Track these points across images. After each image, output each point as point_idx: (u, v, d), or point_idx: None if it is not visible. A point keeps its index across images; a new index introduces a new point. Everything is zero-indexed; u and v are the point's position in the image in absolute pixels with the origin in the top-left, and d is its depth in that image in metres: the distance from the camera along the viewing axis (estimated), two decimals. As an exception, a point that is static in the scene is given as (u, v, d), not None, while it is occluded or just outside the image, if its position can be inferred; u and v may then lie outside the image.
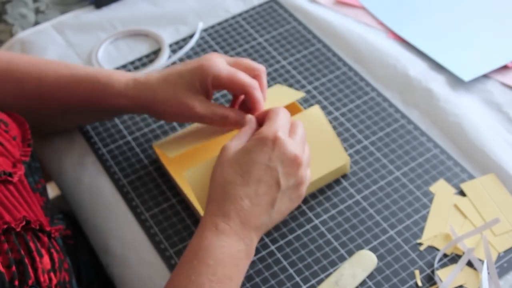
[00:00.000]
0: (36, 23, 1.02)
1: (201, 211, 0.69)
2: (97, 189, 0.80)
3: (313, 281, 0.69)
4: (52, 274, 0.59)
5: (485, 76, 0.88)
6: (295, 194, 0.66)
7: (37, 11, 1.04)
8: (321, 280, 0.69)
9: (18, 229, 0.58)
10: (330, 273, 0.69)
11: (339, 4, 1.01)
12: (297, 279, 0.69)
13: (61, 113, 0.80)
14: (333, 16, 0.98)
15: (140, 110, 0.77)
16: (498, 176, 0.76)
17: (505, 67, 0.88)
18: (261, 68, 0.74)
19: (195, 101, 0.72)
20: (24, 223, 0.59)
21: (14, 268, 0.55)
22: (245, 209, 0.63)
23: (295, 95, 0.81)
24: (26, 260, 0.57)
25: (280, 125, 0.66)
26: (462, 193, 0.75)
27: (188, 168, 0.69)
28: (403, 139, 0.81)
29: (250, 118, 0.70)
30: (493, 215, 0.72)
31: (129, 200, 0.78)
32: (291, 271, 0.70)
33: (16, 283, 0.55)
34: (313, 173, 0.73)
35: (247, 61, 0.74)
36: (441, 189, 0.76)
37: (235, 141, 0.66)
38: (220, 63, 0.72)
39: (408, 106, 0.85)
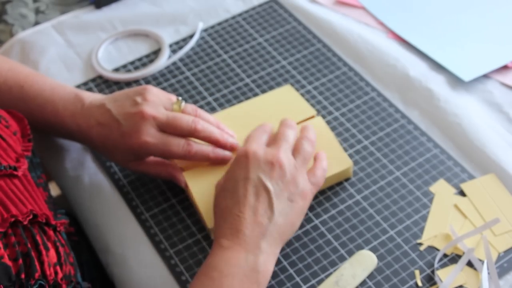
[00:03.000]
0: (36, 23, 1.02)
1: (200, 206, 0.73)
2: (97, 189, 0.80)
3: (313, 281, 0.69)
4: (58, 268, 0.59)
5: (485, 76, 0.88)
6: (292, 193, 0.67)
7: (37, 11, 1.04)
8: (321, 280, 0.69)
9: (25, 223, 0.58)
10: (330, 273, 0.69)
11: (339, 4, 1.01)
12: (297, 279, 0.69)
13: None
14: (333, 16, 0.98)
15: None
16: (498, 176, 0.76)
17: (505, 67, 0.88)
18: (194, 126, 0.73)
19: (132, 166, 0.76)
20: (31, 216, 0.59)
21: (21, 261, 0.55)
22: (245, 223, 0.64)
23: (304, 113, 0.81)
24: (33, 254, 0.57)
25: (251, 141, 0.70)
26: (462, 193, 0.75)
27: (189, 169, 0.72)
28: (403, 139, 0.81)
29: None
30: (493, 215, 0.72)
31: (129, 200, 0.78)
32: (291, 271, 0.70)
33: (23, 276, 0.55)
34: None
35: (183, 123, 0.72)
36: (441, 189, 0.76)
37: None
38: (151, 137, 0.71)
39: (408, 106, 0.85)
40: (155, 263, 0.72)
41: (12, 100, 0.78)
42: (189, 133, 0.73)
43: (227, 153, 0.75)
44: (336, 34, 0.95)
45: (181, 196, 0.78)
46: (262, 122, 0.77)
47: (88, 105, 0.76)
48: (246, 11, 1.01)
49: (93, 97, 0.77)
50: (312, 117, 0.81)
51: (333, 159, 0.76)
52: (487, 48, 0.91)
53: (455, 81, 0.87)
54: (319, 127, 0.78)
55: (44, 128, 0.79)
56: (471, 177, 0.77)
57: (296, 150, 0.71)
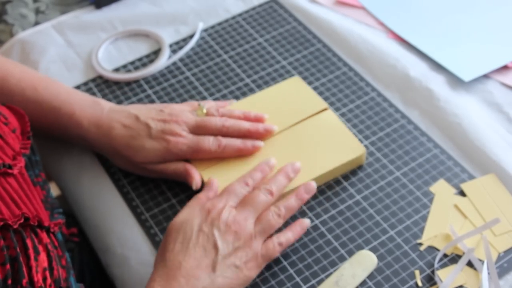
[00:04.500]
0: (36, 23, 1.02)
1: None
2: (97, 189, 0.80)
3: (313, 281, 0.69)
4: (47, 273, 0.58)
5: (485, 76, 0.88)
6: (241, 261, 0.66)
7: (37, 11, 1.04)
8: (321, 280, 0.69)
9: (15, 226, 0.57)
10: (330, 273, 0.69)
11: (339, 4, 1.01)
12: (297, 279, 0.69)
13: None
14: (333, 16, 0.98)
15: (98, 152, 0.81)
16: (498, 176, 0.76)
17: (505, 67, 0.88)
18: (222, 124, 0.76)
19: (151, 167, 0.76)
20: (22, 220, 0.58)
21: (8, 266, 0.54)
22: (185, 272, 0.63)
23: (315, 106, 0.82)
24: (21, 258, 0.56)
25: (226, 195, 0.69)
26: (462, 193, 0.75)
27: (206, 168, 0.74)
28: (403, 139, 0.81)
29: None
30: (493, 215, 0.72)
31: (129, 200, 0.78)
32: (291, 271, 0.70)
33: (9, 282, 0.53)
34: (330, 163, 0.76)
35: (212, 123, 0.76)
36: (441, 189, 0.76)
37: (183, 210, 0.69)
38: (183, 139, 0.75)
39: (408, 106, 0.85)
40: (155, 263, 0.72)
41: (25, 101, 0.77)
42: (219, 132, 0.76)
43: (256, 142, 0.76)
44: (336, 34, 0.95)
45: (181, 196, 0.78)
46: (272, 115, 0.80)
47: (109, 110, 0.78)
48: (246, 11, 1.01)
49: (112, 104, 0.80)
50: (325, 109, 0.81)
51: (346, 147, 0.77)
52: (487, 48, 0.91)
53: (455, 81, 0.87)
54: (330, 121, 0.80)
55: (56, 131, 0.79)
56: (471, 177, 0.77)
57: (260, 218, 0.69)
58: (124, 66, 0.94)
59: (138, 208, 0.77)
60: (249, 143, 0.76)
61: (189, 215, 0.68)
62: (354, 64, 0.92)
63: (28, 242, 0.58)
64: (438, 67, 0.89)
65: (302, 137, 0.79)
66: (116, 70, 0.93)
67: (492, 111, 0.84)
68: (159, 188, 0.79)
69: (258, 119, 0.79)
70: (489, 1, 0.99)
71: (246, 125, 0.77)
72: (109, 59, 0.96)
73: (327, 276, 0.69)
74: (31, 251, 0.57)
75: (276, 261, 0.71)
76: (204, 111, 0.78)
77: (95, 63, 0.94)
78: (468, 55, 0.90)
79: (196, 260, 0.64)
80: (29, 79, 0.80)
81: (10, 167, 0.62)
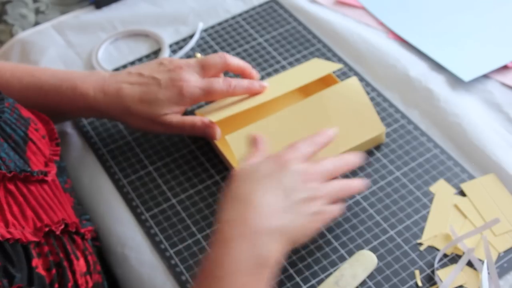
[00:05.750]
0: (36, 23, 1.02)
1: None
2: (97, 189, 0.80)
3: (313, 281, 0.69)
4: (88, 277, 0.58)
5: (485, 76, 0.88)
6: (308, 208, 0.63)
7: (37, 12, 1.04)
8: (321, 280, 0.69)
9: (58, 232, 0.57)
10: (330, 273, 0.69)
11: (339, 4, 1.01)
12: (297, 279, 0.69)
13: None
14: (333, 16, 0.98)
15: (109, 118, 0.80)
16: (498, 176, 0.76)
17: (505, 67, 0.88)
18: (224, 59, 0.79)
19: (168, 118, 0.76)
20: (63, 226, 0.58)
21: (54, 271, 0.55)
22: (253, 213, 0.60)
23: (332, 67, 0.83)
24: (65, 263, 0.56)
25: (296, 149, 0.67)
26: (462, 193, 0.75)
27: (229, 133, 0.73)
28: (403, 139, 0.81)
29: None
30: (493, 215, 0.72)
31: (129, 200, 0.78)
32: (291, 271, 0.70)
33: (56, 286, 0.54)
34: (348, 141, 0.76)
35: (213, 61, 0.78)
36: (441, 189, 0.76)
37: (250, 160, 0.67)
38: (194, 82, 0.76)
39: (408, 106, 0.85)
40: (155, 263, 0.72)
41: (25, 90, 0.77)
42: (222, 67, 0.79)
43: (263, 83, 0.79)
44: (336, 34, 0.95)
45: (181, 196, 0.78)
46: (294, 88, 0.80)
47: (110, 75, 0.78)
48: (246, 11, 1.01)
49: (111, 72, 0.80)
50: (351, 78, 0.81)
51: (367, 124, 0.77)
52: (487, 48, 0.91)
53: (455, 81, 0.87)
54: (354, 89, 0.79)
55: (61, 110, 0.78)
56: (471, 177, 0.77)
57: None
58: (124, 66, 0.94)
59: (138, 208, 0.77)
60: (256, 83, 0.79)
61: (258, 164, 0.65)
62: (354, 64, 0.92)
63: (68, 247, 0.58)
64: (438, 67, 0.89)
65: (326, 106, 0.77)
66: (116, 70, 0.93)
67: (492, 111, 0.84)
68: (159, 188, 0.79)
69: (252, 77, 0.82)
70: (489, 1, 0.99)
71: (243, 63, 0.81)
72: (109, 59, 0.96)
73: (327, 276, 0.69)
74: (72, 256, 0.58)
75: (276, 261, 0.71)
76: (198, 55, 0.80)
77: (95, 63, 0.94)
78: (468, 55, 0.90)
79: (266, 202, 0.61)
80: (23, 69, 0.79)
81: (46, 174, 0.62)
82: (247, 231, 0.59)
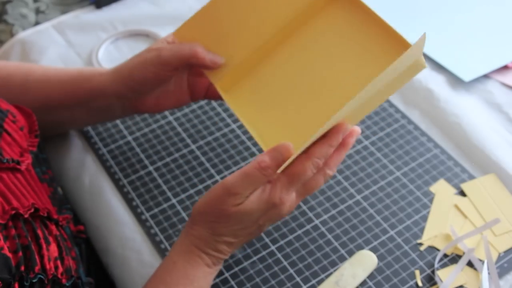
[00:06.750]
0: (37, 23, 1.02)
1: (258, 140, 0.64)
2: (97, 189, 0.80)
3: (314, 281, 0.69)
4: (58, 262, 0.59)
5: (485, 76, 0.88)
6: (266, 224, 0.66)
7: (38, 11, 1.04)
8: (321, 280, 0.69)
9: (26, 216, 0.58)
10: (330, 273, 0.69)
11: (339, 4, 1.01)
12: (297, 279, 0.69)
13: (45, 110, 0.78)
14: (333, 16, 0.98)
15: (121, 93, 0.76)
16: (498, 176, 0.76)
17: (505, 67, 0.88)
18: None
19: (164, 51, 0.72)
20: (32, 210, 0.59)
21: (20, 253, 0.55)
22: (219, 241, 0.63)
23: None
24: (33, 247, 0.57)
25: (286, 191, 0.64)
26: (462, 193, 0.75)
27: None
28: (404, 139, 0.81)
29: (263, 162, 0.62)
30: (493, 215, 0.72)
31: (129, 200, 0.78)
32: (291, 271, 0.70)
33: (23, 268, 0.55)
34: (374, 70, 0.58)
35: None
36: (441, 189, 0.76)
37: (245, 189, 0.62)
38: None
39: (408, 106, 0.85)
40: (155, 264, 0.72)
41: (34, 82, 0.78)
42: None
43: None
44: (336, 34, 0.95)
45: (181, 196, 0.78)
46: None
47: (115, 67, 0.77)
48: (246, 11, 1.01)
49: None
50: None
51: (388, 43, 0.59)
52: (487, 48, 0.91)
53: (455, 81, 0.87)
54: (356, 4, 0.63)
55: (69, 100, 0.77)
56: (471, 177, 0.77)
57: (307, 186, 0.65)
58: (124, 66, 0.94)
59: (138, 208, 0.77)
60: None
61: (255, 206, 0.62)
62: (354, 64, 0.92)
63: (39, 232, 0.59)
64: (438, 67, 0.89)
65: (327, 34, 0.63)
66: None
67: (492, 111, 0.84)
68: (159, 188, 0.79)
69: None
70: (489, 1, 0.99)
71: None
72: (109, 59, 0.96)
73: (327, 276, 0.69)
74: (42, 240, 0.58)
75: (276, 261, 0.71)
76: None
77: (95, 63, 0.94)
78: (468, 55, 0.90)
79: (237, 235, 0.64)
80: (52, 68, 0.81)
81: (18, 163, 0.63)
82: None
